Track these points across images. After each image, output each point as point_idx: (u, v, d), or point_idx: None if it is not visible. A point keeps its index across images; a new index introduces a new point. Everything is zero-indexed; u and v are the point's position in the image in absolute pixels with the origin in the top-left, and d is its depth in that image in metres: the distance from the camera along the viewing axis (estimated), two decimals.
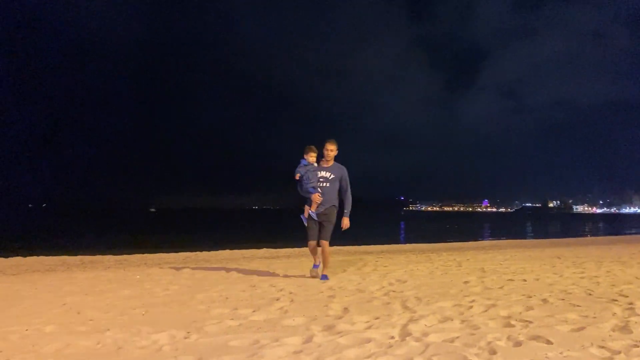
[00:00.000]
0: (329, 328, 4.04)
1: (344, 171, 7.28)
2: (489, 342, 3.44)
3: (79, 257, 13.12)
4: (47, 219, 76.04)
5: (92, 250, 15.60)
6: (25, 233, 34.89)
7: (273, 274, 8.06)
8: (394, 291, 6.03)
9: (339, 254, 13.40)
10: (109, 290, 6.46)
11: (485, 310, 4.65)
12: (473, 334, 3.70)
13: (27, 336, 4.00)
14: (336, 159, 7.31)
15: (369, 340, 3.58)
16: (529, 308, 4.70)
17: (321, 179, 7.17)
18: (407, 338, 3.63)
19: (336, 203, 7.20)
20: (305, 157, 7.23)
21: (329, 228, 7.20)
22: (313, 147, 7.21)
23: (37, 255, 13.56)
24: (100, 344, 3.74)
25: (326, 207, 7.12)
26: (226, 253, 14.40)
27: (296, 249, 15.67)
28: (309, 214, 7.15)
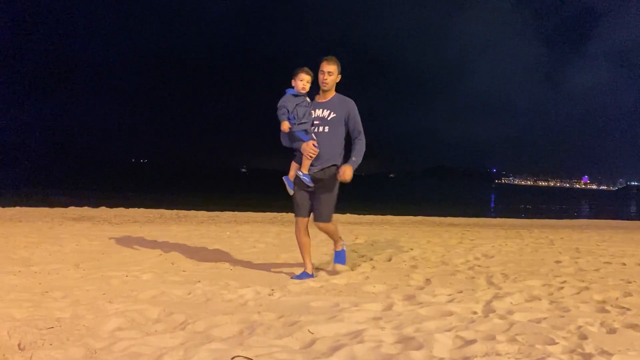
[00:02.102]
0: (409, 298, 4.02)
1: (350, 106, 4.75)
2: (579, 327, 3.25)
3: (174, 211, 13.95)
4: (146, 173, 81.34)
5: (187, 205, 16.51)
6: (126, 186, 37.57)
7: (355, 240, 8.12)
8: (479, 266, 5.86)
9: (423, 224, 13.22)
10: (201, 244, 6.84)
11: (577, 293, 4.40)
12: (562, 317, 3.52)
13: (127, 282, 4.34)
14: (340, 90, 4.86)
15: (450, 314, 3.52)
16: (627, 294, 4.38)
17: (316, 121, 4.70)
18: (491, 315, 3.52)
19: (339, 160, 4.73)
20: (293, 84, 4.71)
21: (329, 201, 4.76)
22: (306, 68, 4.72)
23: (138, 207, 14.58)
24: (191, 294, 3.97)
25: (323, 165, 4.67)
26: (311, 216, 14.65)
27: (379, 216, 15.65)
28: (297, 176, 4.72)
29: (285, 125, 4.53)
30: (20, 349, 2.60)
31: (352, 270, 5.27)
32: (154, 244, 6.64)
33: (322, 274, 5.00)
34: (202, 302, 3.73)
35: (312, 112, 4.66)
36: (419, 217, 16.21)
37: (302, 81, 4.63)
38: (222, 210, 15.11)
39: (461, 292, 4.30)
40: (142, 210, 13.90)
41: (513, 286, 4.60)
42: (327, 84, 4.67)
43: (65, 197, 19.19)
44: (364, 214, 15.92)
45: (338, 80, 4.76)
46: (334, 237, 5.04)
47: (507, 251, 7.37)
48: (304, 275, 4.81)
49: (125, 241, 6.85)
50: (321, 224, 4.78)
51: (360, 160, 4.60)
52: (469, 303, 3.85)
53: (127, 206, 14.49)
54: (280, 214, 14.82)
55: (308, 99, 4.71)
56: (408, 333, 3.01)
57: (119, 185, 38.53)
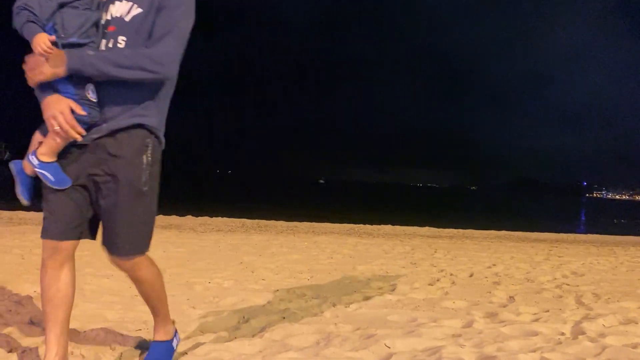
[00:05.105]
0: (491, 315, 3.86)
1: None
2: None
3: (255, 221, 14.38)
4: (231, 184, 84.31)
5: (267, 215, 16.92)
6: (213, 196, 39.15)
7: (434, 254, 7.94)
8: (567, 284, 5.53)
9: (506, 238, 12.70)
10: (280, 254, 6.97)
11: None
12: None
13: (209, 288, 4.50)
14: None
15: (535, 334, 3.34)
16: None
17: (106, 28, 2.15)
18: (580, 337, 3.31)
19: (152, 113, 2.21)
20: None
21: (136, 210, 2.18)
22: None
23: (221, 216, 15.15)
24: (270, 303, 4.05)
25: (116, 125, 2.14)
26: (388, 228, 14.54)
27: (460, 230, 15.21)
28: (32, 162, 2.12)
29: (40, 44, 2.03)
30: (111, 349, 2.76)
31: (431, 285, 5.15)
32: (235, 253, 6.86)
33: (399, 288, 4.92)
34: (280, 311, 3.79)
35: (103, 13, 2.16)
36: (502, 232, 15.59)
37: None
38: (300, 221, 15.34)
39: (547, 311, 4.07)
40: (225, 219, 14.43)
41: (606, 307, 4.29)
42: None
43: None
44: (444, 228, 15.54)
45: None
46: (155, 303, 2.52)
47: (598, 269, 6.91)
48: None
49: (209, 249, 7.12)
50: (123, 261, 2.23)
51: (124, 68, 2.04)
52: (556, 323, 3.64)
53: (211, 215, 15.09)
54: (358, 225, 14.82)
55: None
56: (489, 352, 2.89)
57: (204, 195, 40.20)
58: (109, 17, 2.16)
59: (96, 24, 2.13)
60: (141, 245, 2.24)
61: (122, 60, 2.05)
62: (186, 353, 2.74)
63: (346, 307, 4.01)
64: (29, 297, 3.68)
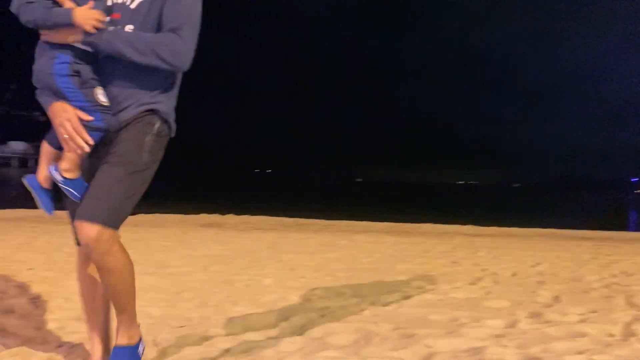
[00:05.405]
0: (535, 315, 3.76)
1: None
2: None
3: (294, 219, 14.46)
4: (270, 183, 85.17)
5: (305, 213, 16.99)
6: (254, 195, 39.65)
7: (476, 252, 7.80)
8: (617, 284, 5.33)
9: (551, 236, 12.34)
10: (318, 252, 6.99)
11: None
12: None
13: (250, 285, 4.56)
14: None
15: (582, 335, 3.23)
16: None
17: (110, 11, 2.05)
18: (631, 339, 3.18)
19: (162, 99, 2.15)
20: None
21: (113, 179, 2.02)
22: None
23: (261, 215, 15.31)
24: (309, 301, 4.07)
25: (126, 115, 2.09)
26: (428, 226, 14.35)
27: (503, 228, 14.88)
28: (56, 178, 2.06)
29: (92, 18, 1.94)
30: (155, 345, 2.83)
31: (473, 284, 5.06)
32: (274, 251, 6.92)
33: (440, 287, 4.86)
34: (320, 309, 3.80)
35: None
36: (547, 230, 15.15)
37: None
38: (338, 219, 15.32)
39: (595, 312, 3.93)
40: (264, 217, 14.57)
41: None
42: None
43: (197, 205, 20.67)
44: (486, 226, 15.24)
45: None
46: (123, 299, 2.18)
47: None
48: None
49: (249, 247, 7.21)
50: (85, 226, 1.97)
51: (140, 52, 1.97)
52: (604, 324, 3.51)
53: (251, 214, 15.27)
54: (397, 223, 14.69)
55: None
56: (534, 353, 2.82)
57: (245, 193, 40.77)
58: (109, 3, 2.07)
59: (106, 11, 2.03)
60: (106, 214, 1.97)
61: (140, 44, 1.97)
62: (228, 350, 2.78)
63: (385, 306, 3.98)
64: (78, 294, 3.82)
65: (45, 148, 2.15)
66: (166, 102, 2.16)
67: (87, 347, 2.60)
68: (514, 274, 5.76)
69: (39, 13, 1.92)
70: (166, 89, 2.16)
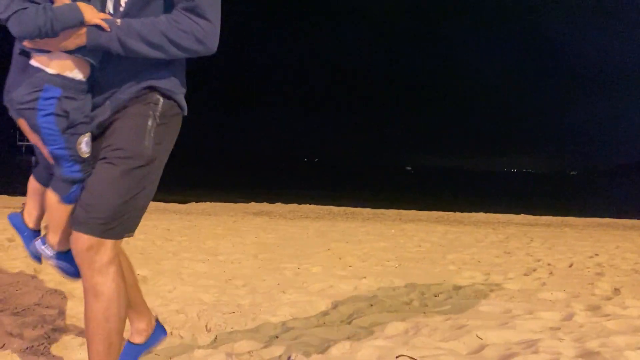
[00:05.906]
0: (593, 308, 3.61)
1: None
2: None
3: (342, 208, 14.48)
4: (319, 171, 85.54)
5: (354, 202, 16.98)
6: (299, 183, 39.97)
7: (530, 242, 7.57)
8: None
9: (611, 226, 11.83)
10: (367, 241, 6.96)
11: None
12: None
13: (299, 273, 4.59)
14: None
15: None
16: None
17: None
18: None
19: (166, 76, 1.74)
20: None
21: (114, 177, 1.64)
22: None
23: (309, 203, 15.41)
24: (357, 289, 4.06)
25: (115, 97, 1.71)
26: (480, 215, 14.05)
27: (558, 217, 14.37)
28: (46, 254, 1.79)
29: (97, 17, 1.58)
30: (207, 330, 2.90)
31: (527, 275, 4.92)
32: (323, 239, 6.94)
33: (492, 277, 4.74)
34: (368, 297, 3.79)
35: None
36: (606, 219, 14.54)
37: None
38: (387, 208, 15.22)
39: None
40: (313, 206, 14.66)
41: None
42: None
43: (247, 193, 21.04)
44: (541, 215, 14.76)
45: None
46: (96, 329, 1.71)
47: None
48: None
49: (298, 235, 7.27)
50: (78, 237, 1.65)
51: (156, 47, 1.62)
52: None
53: (300, 202, 15.40)
54: (447, 212, 14.46)
55: None
56: (592, 347, 2.70)
57: (293, 182, 41.15)
58: None
59: None
60: (101, 226, 1.63)
61: (155, 36, 1.61)
62: (277, 337, 2.82)
63: (435, 296, 3.93)
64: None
65: (33, 185, 1.87)
66: (170, 77, 1.76)
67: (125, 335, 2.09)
68: (570, 265, 5.57)
69: (41, 19, 1.47)
70: (170, 61, 1.73)
